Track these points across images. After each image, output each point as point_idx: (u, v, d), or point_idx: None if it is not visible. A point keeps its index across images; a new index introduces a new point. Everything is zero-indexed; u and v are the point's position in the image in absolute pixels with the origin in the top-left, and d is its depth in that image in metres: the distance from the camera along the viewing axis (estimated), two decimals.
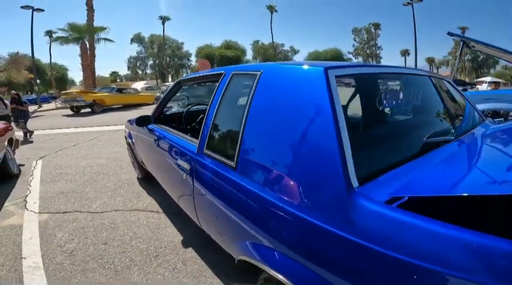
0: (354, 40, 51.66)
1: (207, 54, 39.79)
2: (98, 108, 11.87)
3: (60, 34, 20.76)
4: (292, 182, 0.87)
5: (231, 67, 1.49)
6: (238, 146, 1.10)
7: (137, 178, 3.27)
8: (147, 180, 3.07)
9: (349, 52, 51.30)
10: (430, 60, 55.76)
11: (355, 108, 1.39)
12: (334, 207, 0.74)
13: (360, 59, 52.19)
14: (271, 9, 44.07)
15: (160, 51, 43.90)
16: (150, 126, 2.21)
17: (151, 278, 1.64)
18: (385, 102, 1.25)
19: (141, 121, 2.21)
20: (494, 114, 3.49)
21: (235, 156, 1.10)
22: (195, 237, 2.00)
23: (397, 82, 1.44)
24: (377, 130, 1.22)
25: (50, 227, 2.25)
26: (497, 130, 1.49)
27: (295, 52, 51.11)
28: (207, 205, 1.31)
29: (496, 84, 9.52)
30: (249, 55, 47.44)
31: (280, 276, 0.85)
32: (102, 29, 20.95)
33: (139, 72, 48.46)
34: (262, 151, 1.03)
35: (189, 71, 44.19)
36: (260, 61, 46.12)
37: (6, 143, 3.46)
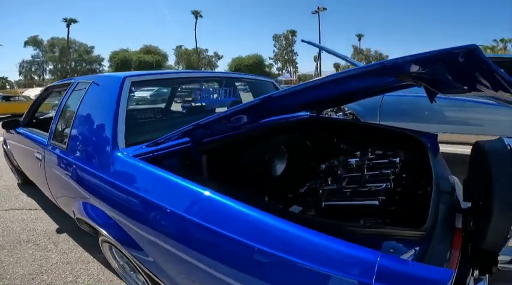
0: (274, 46, 55.56)
1: (122, 59, 36.96)
2: None
3: None
4: (92, 151, 1.39)
5: (79, 77, 1.95)
6: (69, 135, 1.55)
7: (18, 183, 3.28)
8: (27, 185, 3.10)
9: (270, 58, 54.84)
10: (337, 65, 64.42)
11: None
12: (107, 159, 1.25)
13: (280, 64, 56.51)
14: (196, 14, 43.90)
15: (64, 55, 38.73)
16: (18, 129, 2.40)
17: (18, 257, 1.90)
18: (167, 99, 1.94)
19: (6, 125, 2.41)
20: (338, 109, 4.28)
21: (67, 142, 1.55)
22: (70, 226, 2.25)
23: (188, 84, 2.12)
24: (149, 118, 1.93)
25: None
26: None
27: (219, 57, 51.97)
28: (54, 182, 1.73)
29: None
30: (171, 60, 46.15)
31: (91, 222, 1.32)
32: None
33: (36, 77, 41.59)
34: (81, 134, 1.51)
35: None
36: (183, 66, 45.29)
37: None
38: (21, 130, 2.40)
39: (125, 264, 1.57)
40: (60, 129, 1.74)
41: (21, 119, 2.54)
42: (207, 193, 0.91)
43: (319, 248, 0.70)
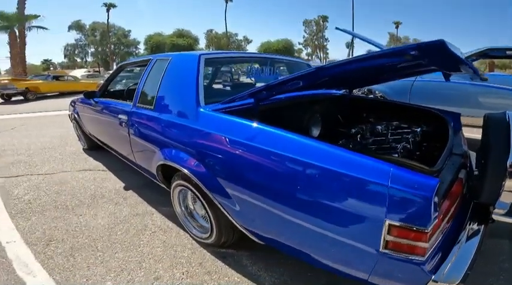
0: (304, 31, 54.13)
1: (157, 43, 38.10)
2: (31, 95, 11.09)
3: None
4: (179, 108, 1.70)
5: (156, 55, 2.25)
6: (155, 97, 1.88)
7: (83, 149, 3.70)
8: (93, 150, 3.54)
9: (299, 43, 53.62)
10: (369, 52, 61.08)
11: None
12: (193, 113, 1.57)
13: (309, 50, 55.06)
14: None
15: (104, 38, 40.85)
16: (96, 99, 2.76)
17: (96, 211, 2.18)
18: (233, 71, 2.25)
19: (87, 95, 2.82)
20: (369, 92, 4.48)
21: (154, 103, 1.88)
22: (134, 184, 2.60)
23: (251, 62, 2.36)
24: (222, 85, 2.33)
25: (6, 187, 2.59)
26: None
27: (249, 42, 51.79)
28: (138, 139, 2.02)
29: None
30: (202, 44, 46.77)
31: (175, 164, 1.59)
32: (35, 16, 19.28)
33: (78, 60, 44.59)
34: (166, 97, 1.84)
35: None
36: (213, 50, 45.68)
37: None
38: (98, 99, 2.75)
39: (184, 210, 1.85)
40: (145, 95, 2.06)
41: (97, 91, 2.89)
42: (276, 131, 1.20)
43: (353, 161, 0.99)
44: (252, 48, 52.18)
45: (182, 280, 1.47)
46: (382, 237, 0.91)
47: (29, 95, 11.05)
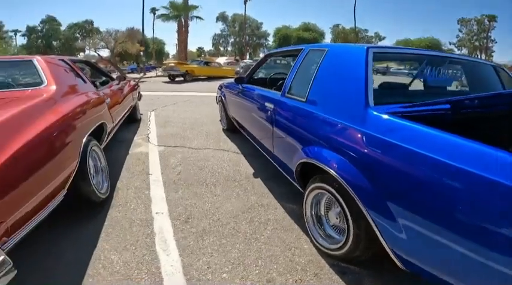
0: (460, 31, 44.30)
1: (284, 35, 39.71)
2: (188, 77, 13.78)
3: (162, 11, 23.97)
4: (337, 104, 1.54)
5: (308, 45, 2.15)
6: (308, 89, 1.77)
7: (223, 129, 4.17)
8: (230, 131, 3.94)
9: (450, 43, 44.32)
10: None
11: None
12: (359, 114, 1.36)
13: (465, 51, 44.46)
14: None
15: (241, 30, 45.83)
16: (244, 85, 2.97)
17: (228, 193, 2.30)
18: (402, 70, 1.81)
19: (238, 80, 3.06)
20: None
21: (306, 95, 1.77)
22: (263, 173, 2.65)
23: (421, 60, 1.98)
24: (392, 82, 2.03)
25: (165, 155, 3.14)
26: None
27: (381, 39, 46.63)
28: (282, 129, 1.99)
29: None
30: (328, 38, 45.45)
31: (322, 165, 1.43)
32: (195, 7, 23.44)
33: (221, 48, 52.15)
34: (323, 91, 1.70)
35: (265, 50, 45.17)
36: None
37: (137, 95, 4.78)
38: (246, 85, 2.93)
39: (314, 216, 1.69)
40: (296, 85, 1.99)
41: (244, 77, 3.09)
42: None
43: None
44: None
45: None
46: None
47: (187, 77, 13.80)
